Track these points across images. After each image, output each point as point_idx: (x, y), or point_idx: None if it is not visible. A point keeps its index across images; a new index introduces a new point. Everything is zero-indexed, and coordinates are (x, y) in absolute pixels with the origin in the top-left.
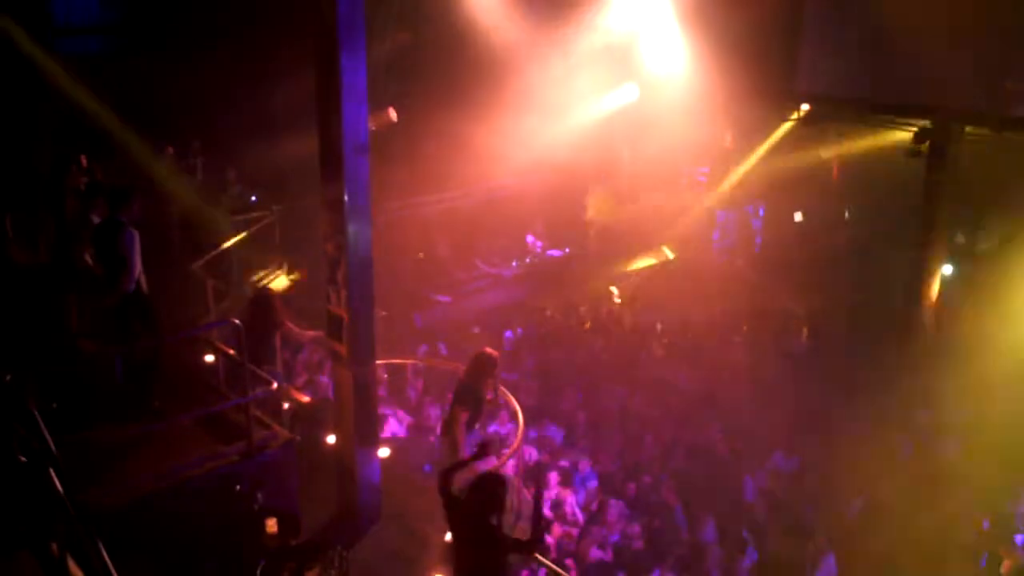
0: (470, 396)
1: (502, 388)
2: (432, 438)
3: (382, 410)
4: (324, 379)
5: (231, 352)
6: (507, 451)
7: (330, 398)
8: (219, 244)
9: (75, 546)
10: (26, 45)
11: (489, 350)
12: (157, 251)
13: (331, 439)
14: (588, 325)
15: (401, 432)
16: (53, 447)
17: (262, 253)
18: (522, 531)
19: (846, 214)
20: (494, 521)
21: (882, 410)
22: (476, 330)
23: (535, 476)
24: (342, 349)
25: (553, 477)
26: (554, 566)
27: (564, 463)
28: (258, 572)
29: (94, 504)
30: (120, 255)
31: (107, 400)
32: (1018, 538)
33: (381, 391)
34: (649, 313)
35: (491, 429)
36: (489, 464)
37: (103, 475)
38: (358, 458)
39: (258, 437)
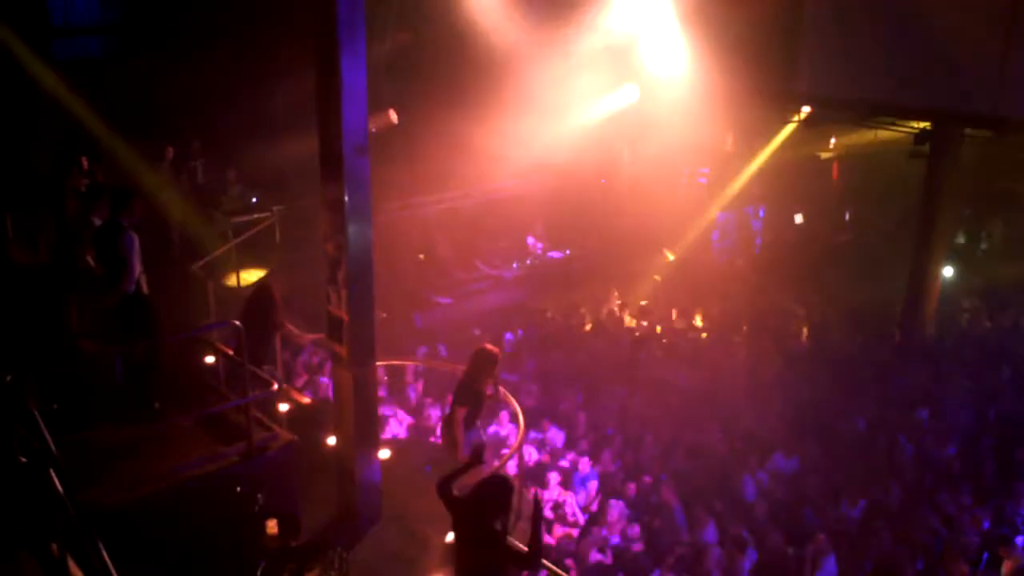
0: (470, 393)
1: (502, 389)
2: (432, 439)
3: (382, 411)
4: (324, 380)
5: (231, 353)
6: (507, 452)
7: (330, 399)
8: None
9: (75, 546)
10: (22, 52)
11: (489, 346)
12: (157, 252)
13: (331, 440)
14: (589, 327)
15: (401, 433)
16: (53, 447)
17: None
18: (522, 531)
19: (846, 215)
20: (498, 526)
21: (882, 410)
22: (476, 331)
23: (534, 504)
24: (342, 350)
25: (553, 477)
26: (554, 567)
27: (564, 464)
28: (258, 573)
29: (94, 504)
30: (120, 256)
31: (107, 400)
32: (1018, 539)
33: (381, 392)
34: (649, 314)
35: (491, 430)
36: (484, 469)
37: (103, 475)
38: (358, 459)
39: (258, 438)
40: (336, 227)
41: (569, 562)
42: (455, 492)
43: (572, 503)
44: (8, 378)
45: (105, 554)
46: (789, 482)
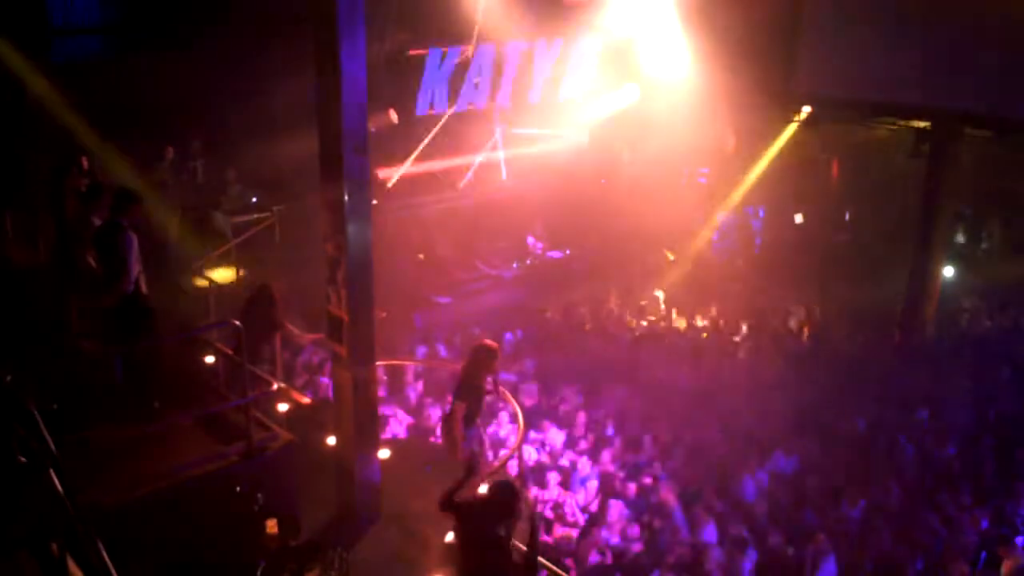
0: (469, 389)
1: (503, 389)
2: (432, 439)
3: (382, 411)
4: (324, 380)
5: (230, 353)
6: (507, 452)
7: (330, 399)
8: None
9: (75, 546)
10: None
11: (488, 342)
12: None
13: (331, 440)
14: (588, 327)
15: (401, 433)
16: (53, 447)
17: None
18: (521, 532)
19: (846, 215)
20: (502, 531)
21: (882, 410)
22: (476, 331)
23: (531, 518)
24: (342, 350)
25: (553, 477)
26: (554, 567)
27: (564, 464)
28: (258, 573)
29: (94, 504)
30: (119, 257)
31: (107, 400)
32: (1018, 539)
33: (381, 392)
34: (649, 314)
35: (491, 430)
36: (483, 470)
37: (103, 475)
38: (358, 459)
39: (258, 438)
40: (336, 227)
41: (569, 562)
42: (459, 499)
43: (572, 503)
44: (8, 378)
45: (105, 554)
46: (789, 482)
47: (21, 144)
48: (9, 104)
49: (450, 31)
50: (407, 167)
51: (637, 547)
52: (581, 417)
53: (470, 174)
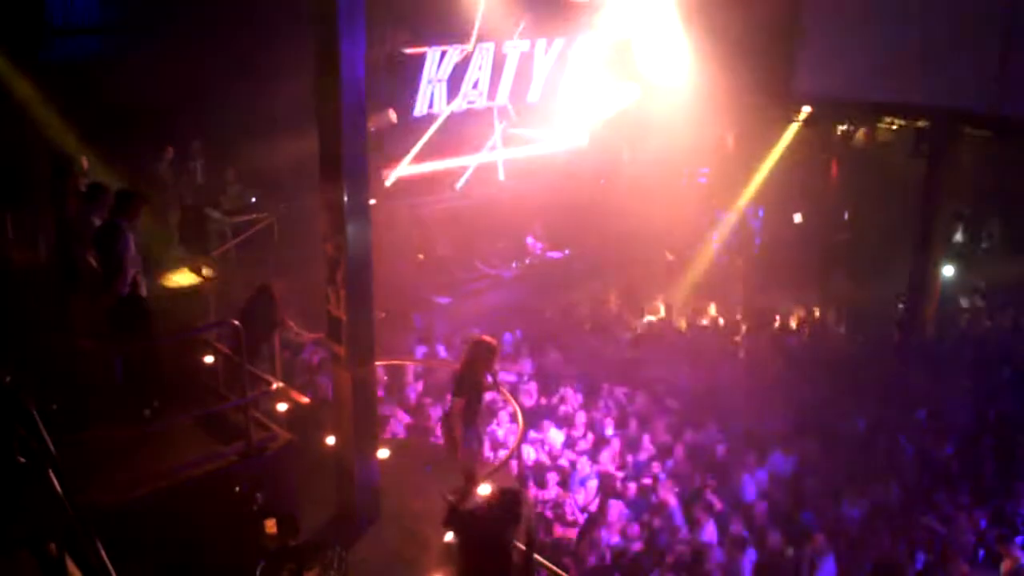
0: (467, 386)
1: (502, 388)
2: (432, 439)
3: (381, 411)
4: (324, 380)
5: (230, 353)
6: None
7: (329, 399)
8: None
9: (74, 546)
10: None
11: (486, 338)
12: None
13: (330, 440)
14: (588, 326)
15: (401, 433)
16: (52, 447)
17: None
18: (520, 532)
19: (845, 214)
20: (507, 536)
21: (882, 409)
22: (476, 331)
23: (528, 519)
24: (341, 350)
25: (552, 477)
26: (554, 567)
27: (563, 464)
28: (257, 573)
29: (93, 504)
30: (115, 258)
31: (107, 400)
32: (1018, 539)
33: (380, 392)
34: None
35: (490, 429)
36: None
37: (102, 475)
38: (357, 459)
39: (257, 438)
40: (335, 227)
41: (568, 562)
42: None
43: (572, 503)
44: (8, 378)
45: (104, 554)
46: (788, 482)
47: (21, 144)
48: (8, 104)
49: (450, 31)
50: (405, 166)
51: (636, 547)
52: (580, 417)
53: (468, 174)
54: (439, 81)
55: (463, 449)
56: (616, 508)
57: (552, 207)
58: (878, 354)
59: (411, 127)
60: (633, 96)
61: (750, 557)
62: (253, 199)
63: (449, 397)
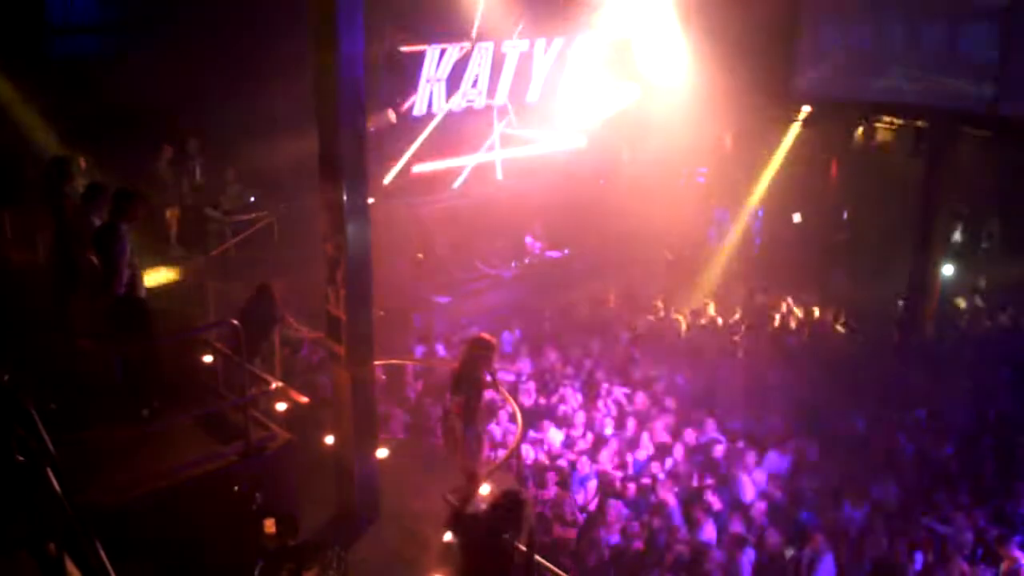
0: (466, 384)
1: (501, 388)
2: (431, 438)
3: (381, 410)
4: (323, 379)
5: (229, 352)
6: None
7: (329, 398)
8: None
9: (73, 546)
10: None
11: (484, 335)
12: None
13: (330, 439)
14: (587, 326)
15: (400, 433)
16: (51, 447)
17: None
18: (522, 535)
19: (844, 214)
20: (508, 538)
21: (881, 409)
22: (475, 331)
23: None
24: (340, 349)
25: (552, 477)
26: (554, 567)
27: (563, 464)
28: (256, 572)
29: (92, 504)
30: (111, 259)
31: (106, 400)
32: (1016, 538)
33: (379, 391)
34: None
35: (489, 429)
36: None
37: (101, 475)
38: (357, 458)
39: (256, 437)
40: (335, 227)
41: (568, 562)
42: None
43: (571, 503)
44: (6, 378)
45: (103, 554)
46: (787, 482)
47: (18, 143)
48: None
49: (449, 30)
50: (404, 165)
51: (636, 546)
52: (580, 417)
53: (465, 174)
54: (438, 80)
55: (463, 448)
56: (615, 508)
57: (551, 207)
58: (878, 354)
59: (410, 126)
60: (632, 96)
61: (749, 557)
62: (252, 199)
63: (448, 396)
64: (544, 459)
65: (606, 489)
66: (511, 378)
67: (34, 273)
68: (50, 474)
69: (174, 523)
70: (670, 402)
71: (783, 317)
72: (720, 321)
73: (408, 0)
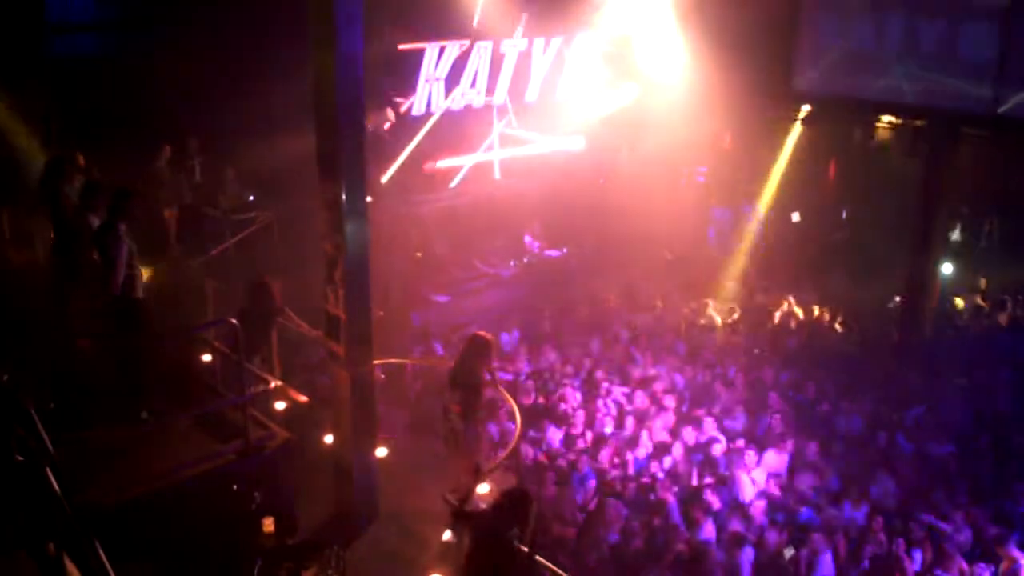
0: (465, 382)
1: (500, 387)
2: (430, 437)
3: (379, 410)
4: (322, 378)
5: (228, 351)
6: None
7: (328, 397)
8: None
9: (72, 545)
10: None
11: (482, 333)
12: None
13: (328, 439)
14: (586, 324)
15: (399, 432)
16: (50, 446)
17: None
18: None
19: (843, 213)
20: (513, 535)
21: (880, 408)
22: (474, 329)
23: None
24: (340, 349)
25: (551, 476)
26: (553, 566)
27: (562, 463)
28: (255, 571)
29: (91, 503)
30: (107, 259)
31: (105, 400)
32: (1014, 537)
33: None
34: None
35: (489, 427)
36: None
37: (100, 475)
38: (355, 458)
39: (255, 436)
40: (334, 225)
41: (567, 561)
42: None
43: (570, 502)
44: (5, 377)
45: (102, 553)
46: (786, 481)
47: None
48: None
49: (447, 29)
50: (400, 163)
51: (635, 545)
52: (579, 416)
53: (462, 173)
54: (437, 80)
55: (462, 446)
56: (614, 507)
57: (550, 206)
58: (876, 353)
59: (409, 126)
60: (631, 95)
61: (748, 556)
62: (251, 198)
63: (447, 394)
64: (543, 458)
65: (605, 488)
66: (510, 377)
67: (33, 273)
68: (49, 474)
69: (173, 522)
70: (669, 401)
71: (783, 316)
72: (718, 320)
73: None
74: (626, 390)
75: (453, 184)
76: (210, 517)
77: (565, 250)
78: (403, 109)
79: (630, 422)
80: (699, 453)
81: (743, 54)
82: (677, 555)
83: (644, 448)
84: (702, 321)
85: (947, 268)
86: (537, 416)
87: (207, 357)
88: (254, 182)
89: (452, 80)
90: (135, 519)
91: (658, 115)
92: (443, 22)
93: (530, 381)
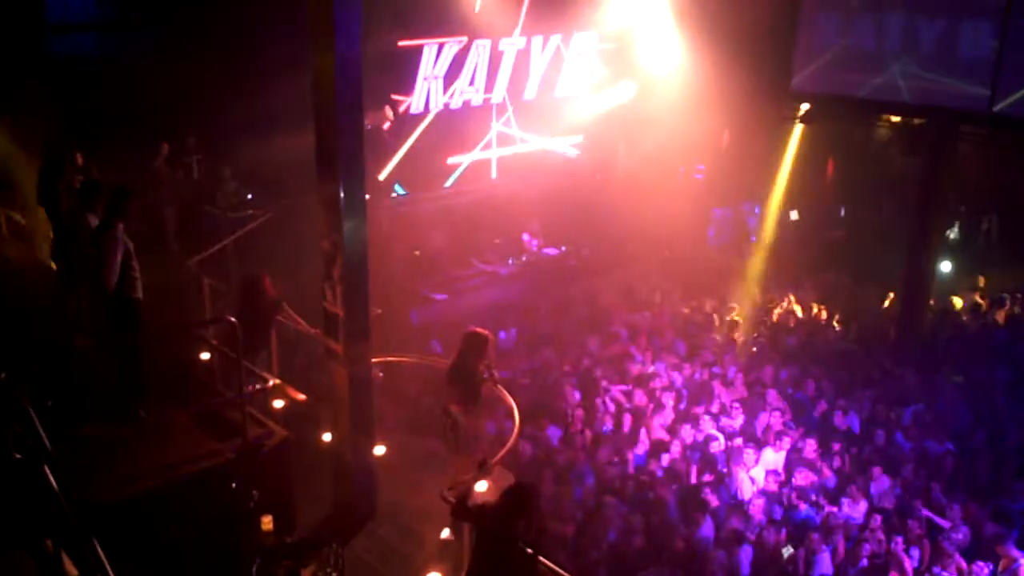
0: (463, 379)
1: (499, 385)
2: (429, 435)
3: (378, 407)
4: (322, 376)
5: (226, 350)
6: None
7: (326, 395)
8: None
9: (70, 543)
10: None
11: (480, 330)
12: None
13: (327, 436)
14: (585, 322)
15: (397, 429)
16: (48, 444)
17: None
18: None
19: (841, 211)
20: (519, 530)
21: (878, 406)
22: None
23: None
24: (338, 346)
25: (550, 474)
26: (553, 565)
27: (561, 460)
28: (254, 570)
29: (89, 501)
30: (103, 258)
31: (103, 398)
32: (1013, 535)
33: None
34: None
35: (488, 425)
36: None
37: (98, 472)
38: (354, 456)
39: (253, 434)
40: (332, 224)
41: (566, 559)
42: (472, 503)
43: (569, 500)
44: (3, 375)
45: (100, 551)
46: (784, 479)
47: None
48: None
49: (446, 28)
50: (397, 161)
51: (634, 543)
52: (578, 414)
53: (459, 171)
54: (435, 78)
55: (461, 443)
56: (613, 505)
57: (549, 204)
58: (874, 351)
59: (407, 124)
60: (629, 93)
61: (747, 553)
62: (250, 196)
63: (446, 392)
64: (542, 455)
65: (604, 486)
66: (508, 375)
67: (31, 271)
68: (47, 471)
69: (171, 520)
70: (668, 399)
71: (781, 314)
72: (717, 318)
73: None
74: (624, 388)
75: (448, 184)
76: (208, 515)
77: (563, 248)
78: (402, 108)
79: (628, 420)
80: (698, 451)
81: (742, 52)
82: (676, 553)
83: (643, 446)
84: (700, 319)
85: (945, 266)
86: (536, 414)
87: (205, 355)
88: (252, 181)
89: (450, 78)
90: (133, 517)
91: (656, 112)
92: (442, 20)
93: (529, 379)
